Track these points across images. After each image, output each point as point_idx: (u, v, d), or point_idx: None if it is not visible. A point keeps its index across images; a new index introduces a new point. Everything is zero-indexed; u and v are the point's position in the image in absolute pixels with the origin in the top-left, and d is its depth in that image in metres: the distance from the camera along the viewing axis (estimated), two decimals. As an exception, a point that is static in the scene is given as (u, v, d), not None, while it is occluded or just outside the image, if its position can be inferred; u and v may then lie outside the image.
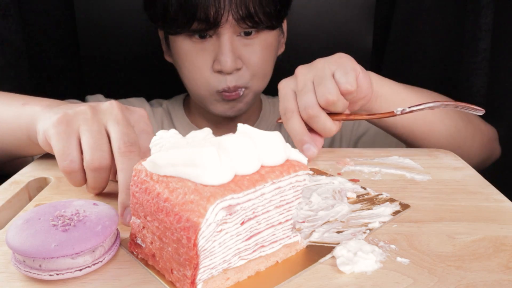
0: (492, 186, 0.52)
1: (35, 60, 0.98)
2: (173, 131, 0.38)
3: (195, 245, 0.30)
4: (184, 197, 0.31)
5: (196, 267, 0.32)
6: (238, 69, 0.75)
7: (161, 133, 0.38)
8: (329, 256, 0.38)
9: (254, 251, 0.36)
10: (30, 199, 0.51)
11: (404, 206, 0.47)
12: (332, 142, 0.89)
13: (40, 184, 0.53)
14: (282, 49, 0.87)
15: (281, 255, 0.38)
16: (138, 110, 0.49)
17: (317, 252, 0.39)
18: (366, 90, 0.59)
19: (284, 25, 0.86)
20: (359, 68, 0.57)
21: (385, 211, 0.46)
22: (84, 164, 0.44)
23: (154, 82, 1.10)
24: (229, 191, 0.31)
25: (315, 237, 0.41)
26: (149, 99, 0.94)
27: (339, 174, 0.55)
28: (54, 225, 0.35)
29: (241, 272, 0.35)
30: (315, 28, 1.09)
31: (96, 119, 0.45)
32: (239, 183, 0.32)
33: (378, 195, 0.49)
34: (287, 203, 0.36)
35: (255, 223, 0.35)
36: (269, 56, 0.79)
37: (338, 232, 0.42)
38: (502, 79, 0.84)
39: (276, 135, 0.36)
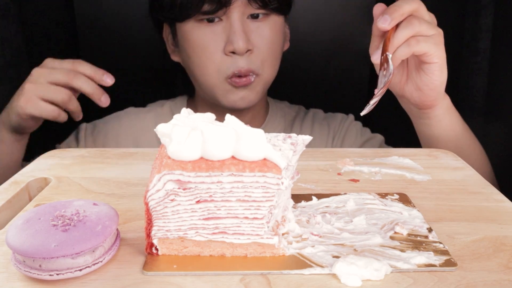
0: (492, 186, 0.52)
1: (35, 60, 0.98)
2: (187, 110, 0.41)
3: (145, 203, 0.36)
4: (156, 163, 0.37)
5: (149, 223, 0.37)
6: (250, 52, 0.75)
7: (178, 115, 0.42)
8: (295, 271, 0.36)
9: (214, 233, 0.37)
10: (30, 199, 0.51)
11: (448, 264, 0.37)
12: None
13: (40, 184, 0.53)
14: (287, 46, 0.87)
15: (251, 250, 0.38)
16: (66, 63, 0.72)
17: (293, 263, 0.37)
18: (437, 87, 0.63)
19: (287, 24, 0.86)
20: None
21: (414, 259, 0.37)
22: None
23: (154, 82, 1.10)
24: (180, 168, 0.35)
25: (306, 251, 0.38)
26: (149, 99, 0.94)
27: (339, 174, 0.55)
28: (54, 225, 0.35)
29: (201, 247, 0.38)
30: (315, 29, 1.09)
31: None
32: (197, 164, 0.35)
33: (434, 242, 0.40)
34: (254, 201, 0.36)
35: (213, 207, 0.36)
36: (278, 41, 0.80)
37: (334, 257, 0.37)
38: (502, 79, 0.84)
39: (259, 133, 0.35)
